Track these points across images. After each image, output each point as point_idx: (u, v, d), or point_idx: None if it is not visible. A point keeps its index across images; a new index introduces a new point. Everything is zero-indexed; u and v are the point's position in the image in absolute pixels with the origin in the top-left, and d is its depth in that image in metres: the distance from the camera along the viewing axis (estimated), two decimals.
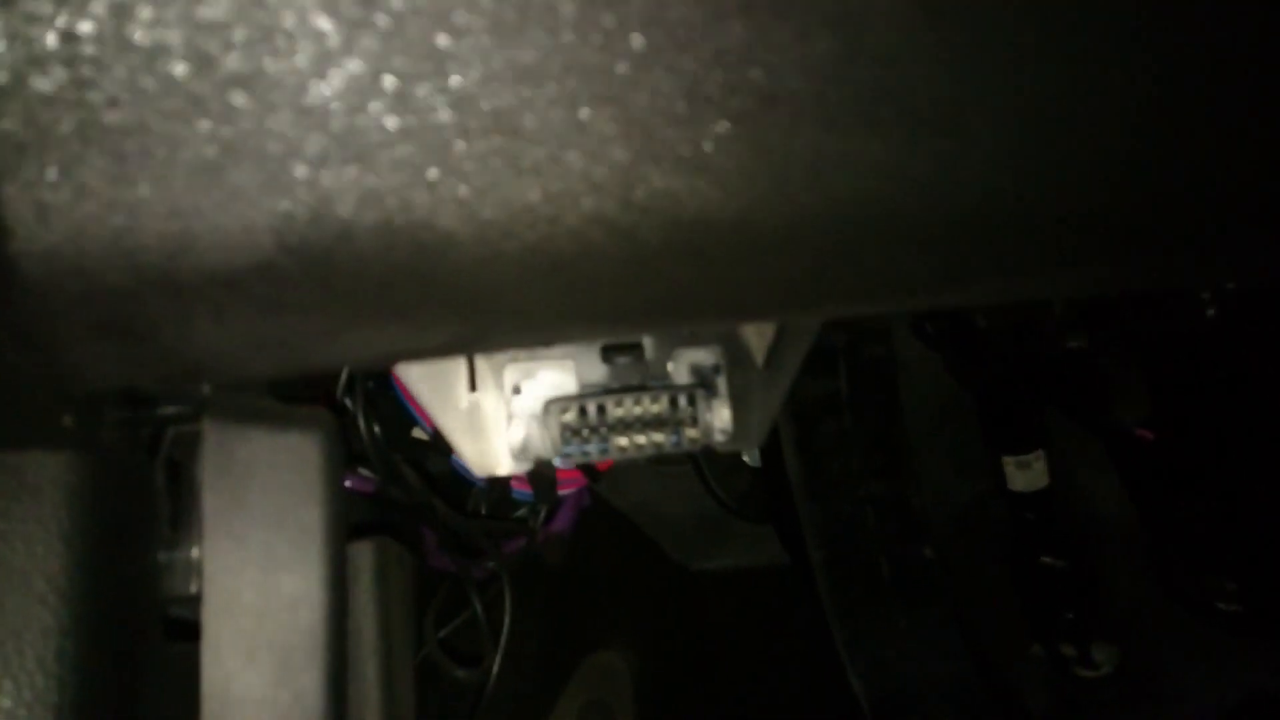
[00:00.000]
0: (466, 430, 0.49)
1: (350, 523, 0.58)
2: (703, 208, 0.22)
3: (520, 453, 0.49)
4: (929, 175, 0.20)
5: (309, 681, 0.43)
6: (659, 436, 0.48)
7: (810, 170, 0.21)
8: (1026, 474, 0.96)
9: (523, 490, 0.69)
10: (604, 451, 0.48)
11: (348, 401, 0.59)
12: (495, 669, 0.62)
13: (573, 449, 0.48)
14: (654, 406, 0.47)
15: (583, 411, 0.47)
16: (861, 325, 0.70)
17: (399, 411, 0.68)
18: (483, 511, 0.71)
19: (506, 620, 0.62)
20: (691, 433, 0.48)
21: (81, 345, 0.25)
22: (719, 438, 0.50)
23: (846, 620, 0.68)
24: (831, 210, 0.21)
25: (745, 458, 1.01)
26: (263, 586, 0.42)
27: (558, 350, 0.49)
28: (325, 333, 0.28)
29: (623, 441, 0.48)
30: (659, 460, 0.90)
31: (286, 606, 0.43)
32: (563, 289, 0.26)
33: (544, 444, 0.48)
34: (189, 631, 0.42)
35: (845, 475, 0.70)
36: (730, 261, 0.24)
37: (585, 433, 0.47)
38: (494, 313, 0.28)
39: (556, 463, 0.49)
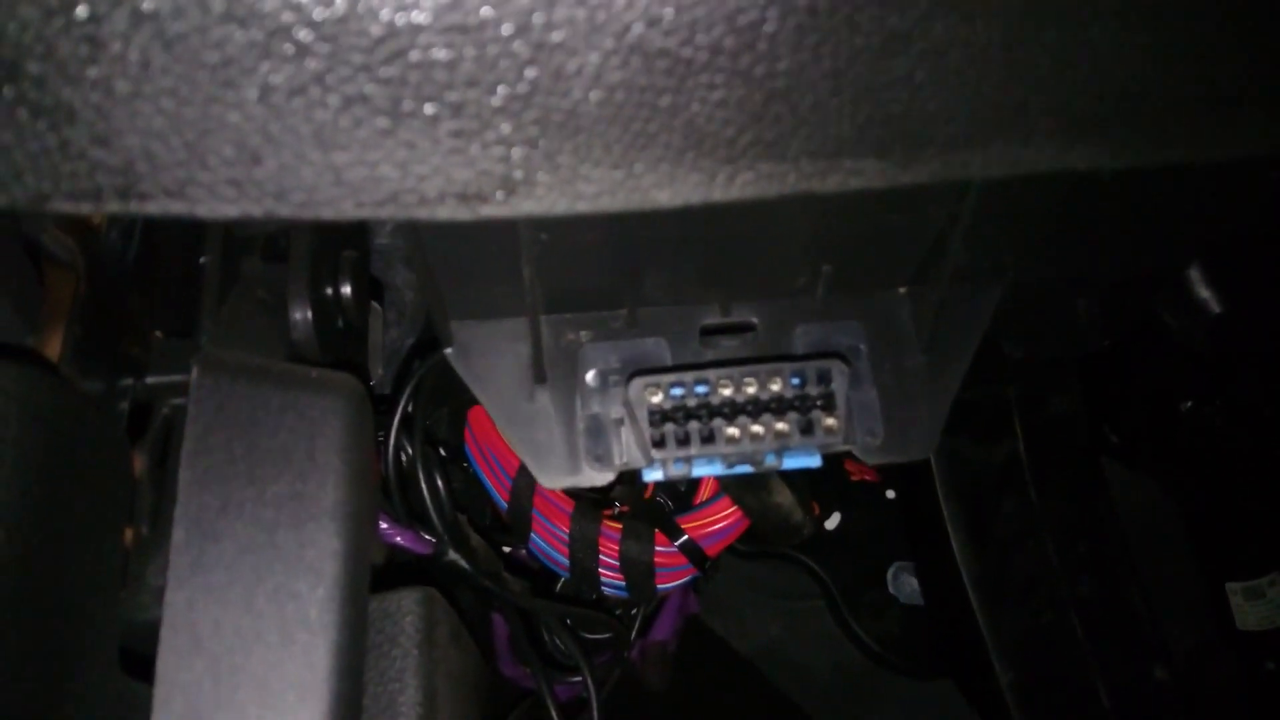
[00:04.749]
0: (533, 433, 0.37)
1: (390, 563, 0.46)
2: None
3: (599, 457, 0.36)
4: None
5: None
6: (781, 425, 0.35)
7: None
8: (1260, 606, 0.76)
9: (614, 581, 0.56)
10: (709, 451, 0.35)
11: (406, 448, 0.49)
12: None
13: (668, 447, 0.35)
14: (773, 384, 0.35)
15: (679, 388, 0.35)
16: (1038, 374, 0.56)
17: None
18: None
19: None
20: (829, 421, 0.35)
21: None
22: (868, 438, 0.36)
23: None
24: None
25: (891, 588, 0.84)
26: (234, 626, 0.30)
27: (646, 330, 0.38)
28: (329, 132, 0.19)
29: (733, 432, 0.35)
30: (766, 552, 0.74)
31: (267, 650, 0.30)
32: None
33: (629, 443, 0.36)
34: (147, 668, 0.30)
35: (1040, 571, 0.54)
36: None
37: (681, 418, 0.35)
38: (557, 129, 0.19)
39: (647, 475, 0.36)
